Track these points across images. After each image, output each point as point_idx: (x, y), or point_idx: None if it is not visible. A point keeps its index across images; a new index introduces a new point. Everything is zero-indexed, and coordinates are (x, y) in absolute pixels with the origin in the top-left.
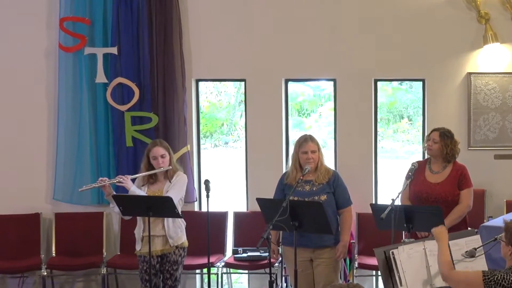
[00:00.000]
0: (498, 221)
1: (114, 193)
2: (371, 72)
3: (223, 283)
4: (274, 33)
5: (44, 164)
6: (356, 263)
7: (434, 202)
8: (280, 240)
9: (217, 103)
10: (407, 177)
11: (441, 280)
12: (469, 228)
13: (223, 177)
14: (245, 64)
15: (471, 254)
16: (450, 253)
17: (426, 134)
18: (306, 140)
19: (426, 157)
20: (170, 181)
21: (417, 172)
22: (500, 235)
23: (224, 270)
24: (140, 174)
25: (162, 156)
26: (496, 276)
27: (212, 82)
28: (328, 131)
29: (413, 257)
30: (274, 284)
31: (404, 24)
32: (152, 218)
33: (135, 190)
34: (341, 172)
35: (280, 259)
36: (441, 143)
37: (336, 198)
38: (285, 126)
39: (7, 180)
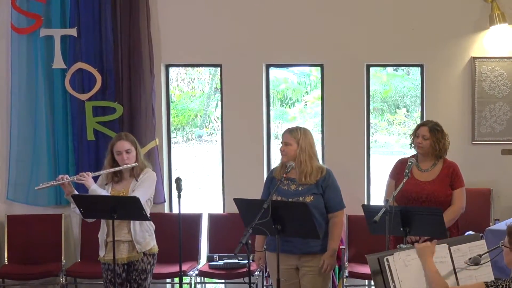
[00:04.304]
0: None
1: (76, 192)
2: (363, 56)
3: None
4: (253, 12)
5: None
6: (346, 271)
7: (424, 203)
8: (265, 246)
9: (189, 92)
10: (404, 175)
11: None
12: (471, 232)
13: (197, 175)
14: (221, 48)
15: (475, 261)
16: (452, 262)
17: (413, 130)
18: (286, 131)
19: (412, 154)
20: (136, 180)
21: (402, 171)
22: (503, 240)
23: (198, 279)
24: (103, 171)
25: (128, 151)
26: (499, 287)
27: (183, 67)
28: (315, 122)
29: (410, 265)
30: None
31: (400, 2)
32: (117, 221)
33: (96, 189)
34: None
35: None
36: (432, 139)
37: (326, 200)
38: (266, 117)
39: None
